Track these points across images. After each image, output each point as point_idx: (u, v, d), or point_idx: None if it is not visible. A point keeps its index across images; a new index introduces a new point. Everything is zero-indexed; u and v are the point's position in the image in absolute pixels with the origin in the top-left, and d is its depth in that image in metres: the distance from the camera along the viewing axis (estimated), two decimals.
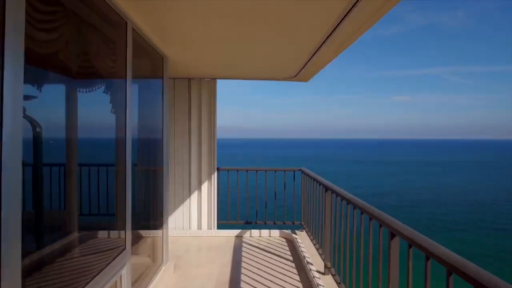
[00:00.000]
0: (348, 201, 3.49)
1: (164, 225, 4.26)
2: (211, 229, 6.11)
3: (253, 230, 6.12)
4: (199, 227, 6.12)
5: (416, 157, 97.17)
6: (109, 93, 2.77)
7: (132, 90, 3.02)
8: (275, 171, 6.36)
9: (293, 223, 6.32)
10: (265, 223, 6.36)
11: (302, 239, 5.69)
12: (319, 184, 4.80)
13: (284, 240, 5.88)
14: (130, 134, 2.91)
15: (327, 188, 4.34)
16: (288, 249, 5.38)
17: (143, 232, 3.76)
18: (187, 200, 6.09)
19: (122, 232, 2.86)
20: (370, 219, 2.89)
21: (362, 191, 37.72)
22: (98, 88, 2.68)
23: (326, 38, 3.70)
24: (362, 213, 3.10)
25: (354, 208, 3.31)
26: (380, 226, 2.67)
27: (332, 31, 3.42)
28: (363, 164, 75.46)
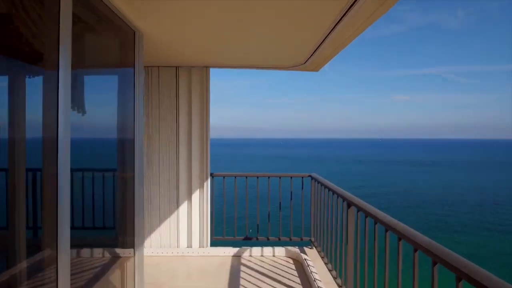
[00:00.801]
0: (388, 227, 2.49)
1: (137, 249, 3.27)
2: (203, 247, 5.12)
3: (253, 248, 5.13)
4: (189, 244, 5.12)
5: (416, 156, 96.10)
6: (29, 78, 1.80)
7: (75, 76, 2.03)
8: (280, 177, 5.37)
9: (301, 239, 5.33)
10: (268, 239, 5.37)
11: (313, 258, 4.70)
12: (338, 196, 3.82)
13: (291, 261, 4.89)
14: (68, 133, 1.92)
15: (350, 203, 3.35)
16: (296, 275, 4.39)
17: (100, 260, 2.78)
18: (175, 213, 5.09)
19: (52, 273, 1.87)
20: (435, 264, 1.90)
21: (367, 191, 36.67)
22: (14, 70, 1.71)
23: (345, 13, 2.78)
24: (416, 250, 2.10)
25: (400, 239, 2.31)
26: (456, 275, 1.68)
27: (354, 3, 2.55)
28: (363, 163, 74.45)
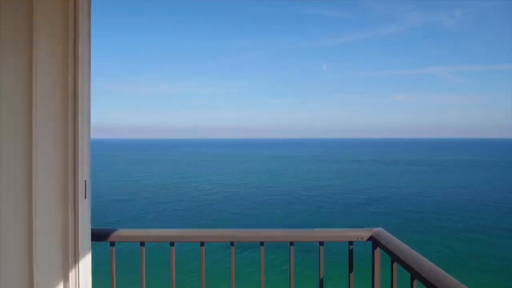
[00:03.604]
0: None
1: None
2: None
3: None
4: None
5: (416, 156, 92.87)
6: None
7: None
8: (291, 243, 2.05)
9: None
10: None
11: None
12: None
13: None
14: None
15: None
16: None
17: None
18: None
19: None
20: None
21: (378, 193, 33.36)
22: None
23: None
24: None
25: None
26: None
27: None
28: (363, 163, 71.11)
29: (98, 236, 1.96)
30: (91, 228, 1.88)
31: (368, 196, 33.19)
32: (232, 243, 2.02)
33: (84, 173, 1.79)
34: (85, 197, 1.80)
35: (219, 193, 35.22)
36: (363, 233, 1.99)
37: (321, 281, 2.04)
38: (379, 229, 1.99)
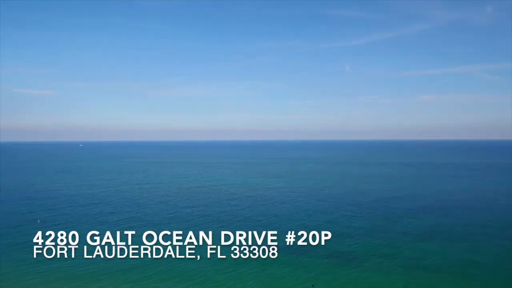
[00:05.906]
0: None
1: None
2: None
3: None
4: None
5: (448, 159, 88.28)
6: None
7: None
8: None
9: None
10: None
11: None
12: None
13: None
14: None
15: None
16: None
17: None
18: None
19: None
20: None
21: (414, 201, 30.21)
22: None
23: None
24: None
25: None
26: None
27: None
28: (390, 166, 68.12)
29: None
30: None
31: (403, 205, 29.60)
32: None
33: None
34: None
35: (241, 199, 33.93)
36: None
37: None
38: None
